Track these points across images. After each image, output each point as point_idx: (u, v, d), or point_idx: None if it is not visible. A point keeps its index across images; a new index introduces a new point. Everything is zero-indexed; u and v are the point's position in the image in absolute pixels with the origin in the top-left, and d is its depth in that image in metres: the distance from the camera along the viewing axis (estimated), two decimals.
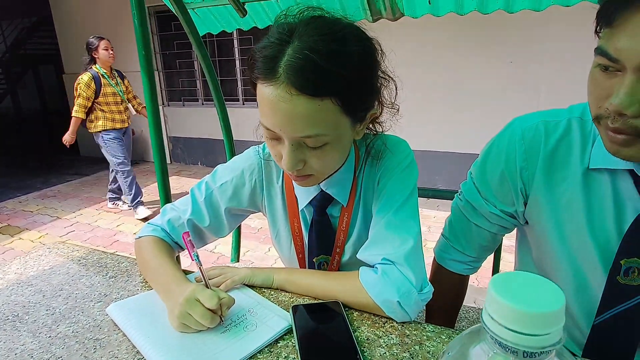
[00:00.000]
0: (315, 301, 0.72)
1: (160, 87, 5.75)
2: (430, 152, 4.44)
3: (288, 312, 0.67)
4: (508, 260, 2.00)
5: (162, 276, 0.73)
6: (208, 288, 0.66)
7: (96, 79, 3.59)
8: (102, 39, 3.63)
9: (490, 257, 1.21)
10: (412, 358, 0.58)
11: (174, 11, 1.44)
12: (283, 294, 0.75)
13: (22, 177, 5.57)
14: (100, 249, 0.95)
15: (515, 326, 0.21)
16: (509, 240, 0.92)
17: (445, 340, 0.62)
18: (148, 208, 3.94)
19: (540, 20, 3.45)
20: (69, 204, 4.45)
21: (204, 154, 5.83)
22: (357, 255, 0.76)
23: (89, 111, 3.72)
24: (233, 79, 5.29)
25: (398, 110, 0.74)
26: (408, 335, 0.63)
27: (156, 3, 4.62)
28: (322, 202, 0.81)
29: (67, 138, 3.79)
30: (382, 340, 0.61)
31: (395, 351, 0.59)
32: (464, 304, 1.02)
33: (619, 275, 0.63)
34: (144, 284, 0.80)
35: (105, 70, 3.71)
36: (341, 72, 0.58)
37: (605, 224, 0.64)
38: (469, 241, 0.86)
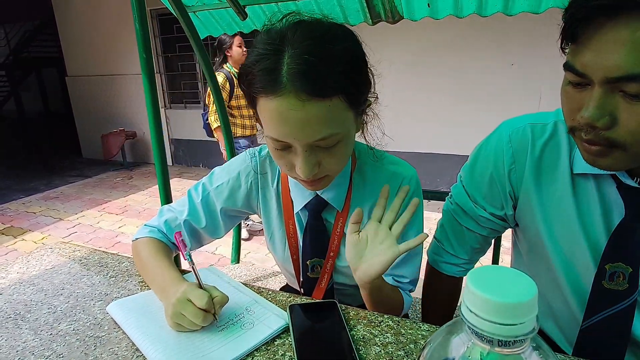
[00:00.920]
0: (312, 300, 0.73)
1: (162, 90, 5.78)
2: (431, 154, 4.44)
3: (285, 311, 0.68)
4: (507, 262, 2.01)
5: (159, 276, 0.74)
6: (200, 287, 0.66)
7: (230, 81, 3.08)
8: (234, 35, 3.06)
9: (489, 260, 1.21)
10: (407, 356, 0.58)
11: (174, 14, 1.46)
12: (281, 293, 0.76)
13: (25, 179, 5.60)
14: (102, 249, 0.96)
15: (489, 316, 0.22)
16: (508, 242, 0.93)
17: None
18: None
19: (541, 23, 3.46)
20: (71, 205, 4.48)
21: (206, 156, 5.86)
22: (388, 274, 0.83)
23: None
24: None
25: (377, 97, 0.74)
26: (403, 334, 0.64)
27: (158, 6, 4.65)
28: (317, 206, 0.81)
29: (224, 155, 3.08)
30: (378, 339, 0.62)
31: (390, 349, 0.60)
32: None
33: (604, 280, 0.64)
34: (143, 283, 0.81)
35: (237, 70, 3.14)
36: (342, 70, 0.59)
37: (595, 226, 0.65)
38: (460, 244, 0.86)
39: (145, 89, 1.20)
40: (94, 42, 6.07)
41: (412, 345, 0.61)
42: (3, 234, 3.74)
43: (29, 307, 0.74)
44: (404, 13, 1.55)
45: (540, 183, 0.70)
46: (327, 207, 0.82)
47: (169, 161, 6.00)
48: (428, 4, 1.47)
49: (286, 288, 1.12)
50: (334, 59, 0.59)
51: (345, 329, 0.63)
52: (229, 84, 3.05)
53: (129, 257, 0.92)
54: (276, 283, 1.54)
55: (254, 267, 1.69)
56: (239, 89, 2.81)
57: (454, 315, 1.02)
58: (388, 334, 0.63)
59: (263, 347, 0.61)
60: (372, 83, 0.70)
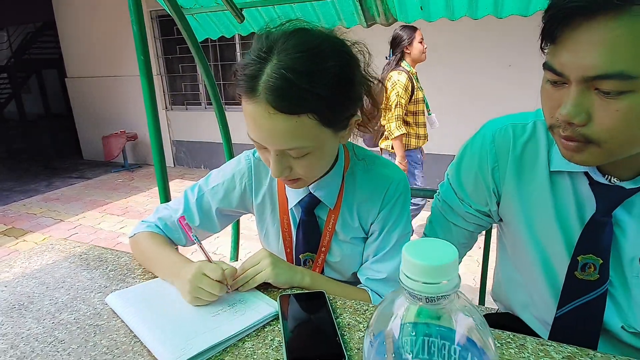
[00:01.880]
0: (301, 291, 0.76)
1: (163, 91, 5.83)
2: (432, 154, 4.48)
3: (276, 300, 0.72)
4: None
5: (167, 261, 0.79)
6: (211, 262, 0.73)
7: (411, 81, 2.60)
8: (416, 29, 2.60)
9: (480, 257, 1.24)
10: None
11: (172, 16, 1.50)
12: (273, 287, 0.79)
13: (26, 180, 5.65)
14: (101, 247, 1.00)
15: (418, 277, 0.26)
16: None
17: None
18: None
19: (535, 24, 3.49)
20: (72, 207, 4.52)
21: (207, 157, 5.90)
22: (359, 274, 0.88)
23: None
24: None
25: (379, 110, 0.78)
26: None
27: (158, 7, 4.70)
28: (310, 203, 0.85)
29: (402, 168, 2.63)
30: (362, 326, 0.66)
31: None
32: None
33: (576, 270, 0.67)
34: (142, 276, 0.84)
35: (414, 70, 2.69)
36: (317, 91, 0.62)
37: (569, 221, 0.68)
38: (448, 239, 0.88)
39: (143, 91, 1.23)
40: (93, 44, 6.13)
41: None
42: (5, 235, 3.78)
43: (32, 298, 0.77)
44: (397, 16, 1.59)
45: (521, 180, 0.73)
46: (320, 205, 0.86)
47: (171, 163, 6.04)
48: (421, 7, 1.51)
49: None
50: (312, 79, 0.61)
51: (331, 316, 0.66)
52: (411, 85, 2.59)
53: (127, 253, 0.95)
54: None
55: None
56: (418, 92, 2.63)
57: None
58: None
59: (254, 332, 0.65)
60: (361, 100, 0.73)
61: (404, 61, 2.66)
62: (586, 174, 0.65)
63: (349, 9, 1.61)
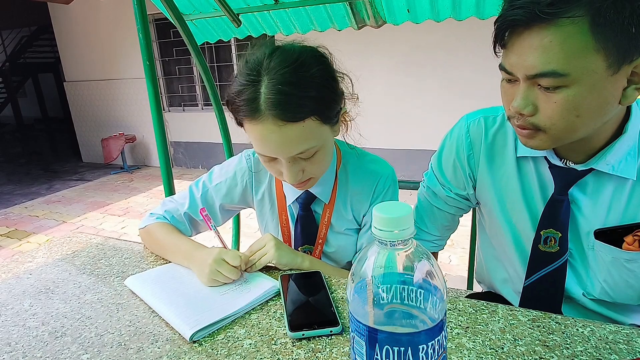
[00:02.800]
0: (300, 271, 0.85)
1: (161, 93, 5.90)
2: (425, 151, 4.57)
3: (277, 280, 0.80)
4: None
5: (183, 247, 0.87)
6: (228, 249, 0.82)
7: None
8: None
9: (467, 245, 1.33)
10: None
11: (173, 23, 1.58)
12: (274, 269, 0.88)
13: (27, 184, 5.71)
14: (114, 238, 1.09)
15: (383, 227, 0.35)
16: None
17: None
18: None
19: None
20: (73, 208, 4.59)
21: (205, 157, 5.98)
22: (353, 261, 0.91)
23: None
24: (231, 83, 5.43)
25: (358, 98, 0.86)
26: None
27: (155, 11, 4.76)
28: (306, 200, 0.94)
29: None
30: None
31: None
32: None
33: (540, 244, 0.76)
34: (154, 262, 0.93)
35: None
36: (311, 94, 0.71)
37: (534, 200, 0.78)
38: (432, 222, 0.99)
39: (149, 94, 1.31)
40: (91, 48, 6.19)
41: None
42: (8, 237, 3.85)
43: (57, 283, 0.85)
44: (386, 18, 1.68)
45: (493, 165, 0.83)
46: (316, 200, 0.95)
47: None
48: (408, 10, 1.59)
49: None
50: (304, 86, 0.70)
51: (327, 290, 0.75)
52: None
53: (139, 243, 1.04)
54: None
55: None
56: None
57: None
58: None
59: (258, 306, 0.73)
60: (343, 93, 0.82)
61: None
62: (546, 158, 0.74)
63: (340, 13, 1.69)
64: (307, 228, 0.96)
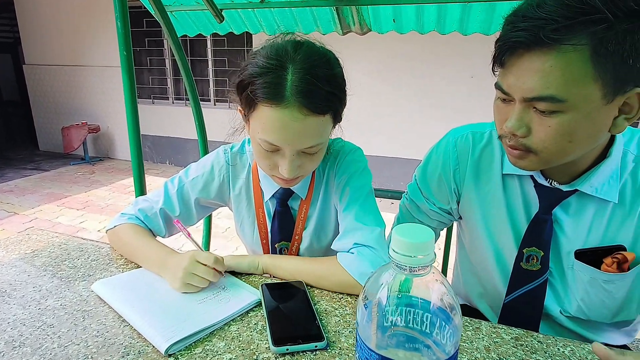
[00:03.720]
0: (281, 281, 0.82)
1: None
2: (399, 158, 4.64)
3: (258, 289, 0.77)
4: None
5: (153, 252, 0.82)
6: (202, 251, 0.79)
7: None
8: None
9: (440, 255, 1.35)
10: None
11: (153, 14, 1.51)
12: (253, 275, 0.85)
13: None
14: (79, 237, 1.01)
15: (404, 251, 0.33)
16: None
17: None
18: None
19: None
20: (27, 199, 4.31)
21: (173, 152, 5.79)
22: (332, 246, 0.86)
23: None
24: (205, 79, 5.30)
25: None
26: None
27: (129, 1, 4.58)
28: (284, 195, 0.93)
29: None
30: (338, 311, 0.72)
31: (349, 319, 0.70)
32: None
33: (522, 261, 0.78)
34: (124, 266, 0.87)
35: None
36: (335, 92, 0.71)
37: (518, 218, 0.79)
38: None
39: (124, 85, 1.25)
40: (56, 30, 5.86)
41: None
42: None
43: (14, 286, 0.78)
44: (371, 26, 1.68)
45: (478, 181, 0.83)
46: (293, 196, 0.93)
47: None
48: (394, 20, 1.60)
49: None
50: (331, 82, 0.70)
51: (310, 302, 0.72)
52: None
53: (107, 244, 0.97)
54: None
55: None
56: None
57: None
58: (347, 307, 0.74)
59: (238, 317, 0.70)
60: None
61: None
62: (532, 177, 0.75)
63: (326, 17, 1.68)
64: (283, 224, 0.95)
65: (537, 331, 0.72)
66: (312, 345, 0.62)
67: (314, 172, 0.92)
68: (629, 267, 0.71)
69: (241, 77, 0.73)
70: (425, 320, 0.33)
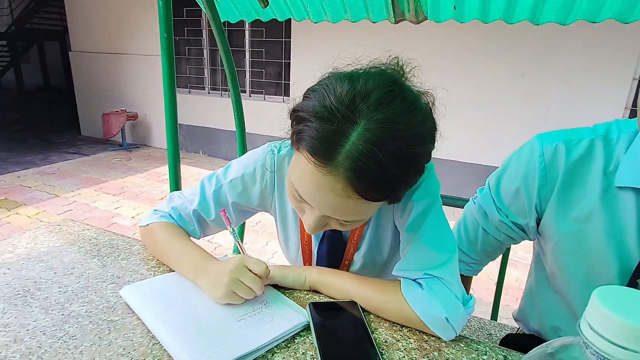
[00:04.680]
0: (332, 300, 0.71)
1: None
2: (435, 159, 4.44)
3: (305, 308, 0.67)
4: (510, 274, 2.00)
5: (189, 256, 0.73)
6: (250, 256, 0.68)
7: None
8: None
9: (496, 271, 1.21)
10: None
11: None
12: (297, 290, 0.74)
13: (22, 152, 5.53)
14: (111, 231, 0.94)
15: (616, 339, 0.21)
16: (514, 255, 0.93)
17: (464, 348, 0.61)
18: None
19: (556, 36, 3.46)
20: (67, 182, 4.42)
21: (207, 143, 5.81)
22: (394, 272, 0.70)
23: None
24: (241, 69, 5.27)
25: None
26: (426, 340, 0.62)
27: None
28: None
29: None
30: (401, 344, 0.61)
31: (414, 355, 0.58)
32: None
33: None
34: (156, 268, 0.79)
35: None
36: (403, 178, 0.54)
37: (626, 241, 0.64)
38: (474, 244, 0.88)
39: (163, 71, 1.17)
40: (102, 19, 5.99)
41: (436, 353, 0.59)
42: None
43: (39, 284, 0.71)
44: (428, 14, 1.53)
45: (571, 197, 0.69)
46: None
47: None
48: (454, 7, 1.45)
49: None
50: (401, 165, 0.52)
51: (367, 330, 0.61)
52: None
53: (139, 241, 0.90)
54: None
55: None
56: None
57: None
58: (411, 340, 0.62)
59: (283, 344, 0.59)
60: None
61: None
62: None
63: (378, 3, 1.54)
64: (333, 248, 0.82)
65: None
66: None
67: None
68: None
69: (300, 107, 0.56)
70: None
